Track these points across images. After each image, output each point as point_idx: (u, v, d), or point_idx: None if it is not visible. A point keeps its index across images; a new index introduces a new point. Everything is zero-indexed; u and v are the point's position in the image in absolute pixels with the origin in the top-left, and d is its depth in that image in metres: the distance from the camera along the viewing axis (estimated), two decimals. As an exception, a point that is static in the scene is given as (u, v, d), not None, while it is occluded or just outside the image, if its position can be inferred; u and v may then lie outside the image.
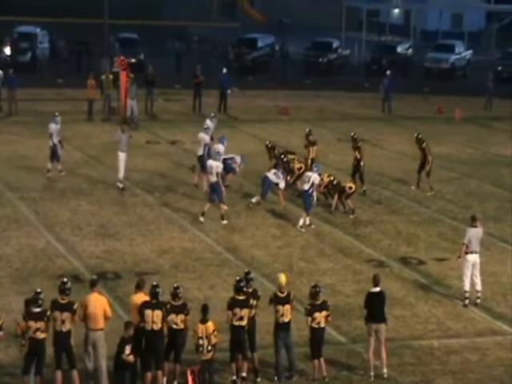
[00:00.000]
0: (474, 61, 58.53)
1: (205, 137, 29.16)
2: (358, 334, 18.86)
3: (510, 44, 59.15)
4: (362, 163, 28.50)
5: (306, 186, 25.61)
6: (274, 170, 27.53)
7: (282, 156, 29.07)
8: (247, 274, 17.54)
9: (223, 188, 26.11)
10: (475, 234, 20.95)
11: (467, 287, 20.80)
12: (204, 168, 27.97)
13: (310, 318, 17.09)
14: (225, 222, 25.65)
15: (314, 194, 25.92)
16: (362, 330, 18.45)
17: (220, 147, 27.67)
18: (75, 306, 16.16)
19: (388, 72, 44.37)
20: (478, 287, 20.88)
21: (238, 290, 16.86)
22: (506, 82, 50.02)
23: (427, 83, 51.02)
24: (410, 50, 59.94)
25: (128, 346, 15.75)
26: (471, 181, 31.76)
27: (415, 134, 30.37)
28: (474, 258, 20.81)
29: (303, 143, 30.20)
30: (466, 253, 20.82)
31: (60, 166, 29.75)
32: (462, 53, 58.25)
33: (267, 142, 30.72)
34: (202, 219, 25.74)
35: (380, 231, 25.89)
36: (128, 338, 15.81)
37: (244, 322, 16.74)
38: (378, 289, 17.58)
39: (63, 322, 16.02)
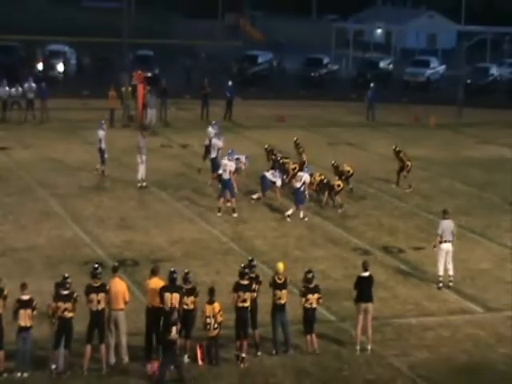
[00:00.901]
0: (446, 75, 58.36)
1: (217, 142, 29.17)
2: (346, 313, 18.81)
3: (477, 60, 59.08)
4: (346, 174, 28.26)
5: (298, 184, 25.65)
6: (271, 170, 27.57)
7: (279, 158, 29.07)
8: (251, 261, 17.49)
9: (235, 184, 26.17)
10: (447, 225, 20.91)
11: (441, 272, 20.76)
12: (216, 169, 27.99)
13: (303, 299, 17.09)
14: (235, 215, 25.56)
15: (306, 191, 25.93)
16: (349, 309, 18.43)
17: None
18: (107, 287, 16.20)
19: (372, 84, 44.24)
20: (451, 272, 20.84)
21: (242, 275, 16.84)
22: (474, 94, 49.91)
23: (406, 94, 50.93)
24: (390, 66, 59.80)
25: (174, 327, 15.71)
26: (444, 179, 31.69)
27: (393, 147, 30.37)
28: (446, 247, 20.77)
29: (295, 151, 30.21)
30: (440, 242, 20.80)
31: (100, 167, 29.47)
32: (436, 68, 58.14)
33: (266, 146, 30.71)
34: (219, 214, 25.64)
35: (365, 223, 25.83)
36: (174, 321, 15.76)
37: (247, 304, 16.70)
38: (367, 273, 17.55)
39: (99, 301, 16.06)
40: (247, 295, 16.68)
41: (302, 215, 25.60)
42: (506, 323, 19.03)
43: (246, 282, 16.77)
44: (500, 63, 59.28)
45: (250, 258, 17.80)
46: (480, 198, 29.21)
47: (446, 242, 20.74)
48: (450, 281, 20.82)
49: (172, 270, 16.65)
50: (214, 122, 32.46)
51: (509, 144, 38.27)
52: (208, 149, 29.63)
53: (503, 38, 68.25)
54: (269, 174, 27.17)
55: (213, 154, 29.04)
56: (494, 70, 56.73)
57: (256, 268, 17.46)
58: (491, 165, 34.13)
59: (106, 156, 29.52)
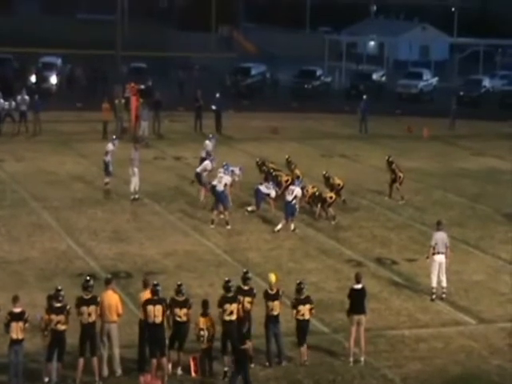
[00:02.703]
0: (439, 87, 58.51)
1: (208, 164, 28.72)
2: (339, 325, 18.84)
3: (470, 72, 59.31)
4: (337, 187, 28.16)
5: (289, 198, 25.70)
6: (265, 183, 27.64)
7: (272, 171, 29.15)
8: (245, 273, 17.44)
9: (229, 197, 26.21)
10: (440, 236, 20.92)
11: (434, 284, 20.77)
12: (201, 183, 28.04)
13: (294, 311, 17.10)
14: (228, 227, 25.58)
15: (297, 205, 25.97)
16: (342, 321, 18.45)
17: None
18: (98, 299, 16.22)
19: (364, 96, 44.34)
20: (444, 284, 20.85)
21: (226, 289, 16.81)
22: (467, 106, 50.09)
23: (399, 106, 51.07)
24: (383, 78, 59.93)
25: (248, 340, 16.01)
26: (437, 191, 31.75)
27: (386, 157, 30.41)
28: (440, 258, 20.77)
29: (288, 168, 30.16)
30: (433, 254, 20.79)
31: (108, 179, 29.30)
32: (429, 80, 58.27)
33: (257, 159, 30.77)
34: (212, 226, 25.64)
35: (358, 235, 25.87)
36: (246, 333, 16.04)
37: (234, 317, 16.64)
38: (360, 285, 17.56)
39: (90, 314, 16.05)
40: (233, 307, 16.64)
41: (292, 227, 25.65)
42: (499, 335, 19.07)
43: (231, 295, 16.74)
44: (492, 75, 59.51)
45: (244, 270, 17.77)
46: (473, 210, 29.28)
47: (439, 253, 20.76)
48: (444, 292, 20.83)
49: (154, 283, 16.62)
50: (210, 135, 32.46)
51: (501, 156, 38.41)
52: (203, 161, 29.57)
53: (496, 50, 68.53)
54: (262, 187, 27.24)
55: (198, 169, 28.94)
56: (487, 82, 56.90)
57: (251, 280, 17.42)
58: (484, 176, 34.25)
59: (110, 169, 29.42)
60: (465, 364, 17.58)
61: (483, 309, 20.45)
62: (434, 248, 20.79)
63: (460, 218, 27.96)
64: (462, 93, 53.01)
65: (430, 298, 20.74)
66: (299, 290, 17.16)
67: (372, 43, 73.44)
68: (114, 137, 30.96)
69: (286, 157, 30.56)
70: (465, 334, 19.08)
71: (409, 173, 31.36)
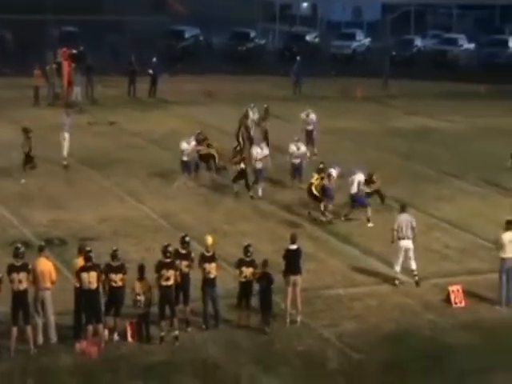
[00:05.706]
0: (372, 47, 58.75)
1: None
2: (275, 287, 18.73)
3: (402, 32, 59.59)
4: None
5: None
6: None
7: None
8: (183, 237, 17.31)
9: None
10: (405, 220, 19.69)
11: (398, 269, 19.55)
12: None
13: (237, 271, 17.09)
14: (323, 218, 23.54)
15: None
16: (279, 282, 18.46)
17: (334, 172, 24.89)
18: (30, 266, 16.00)
19: (298, 58, 44.25)
20: (413, 267, 19.55)
21: (164, 253, 16.71)
22: (399, 65, 50.38)
23: (333, 67, 51.11)
24: (317, 39, 59.86)
25: None
26: (370, 150, 31.91)
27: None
28: (406, 244, 19.55)
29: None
30: (399, 238, 19.60)
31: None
32: (362, 40, 58.44)
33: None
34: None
35: (293, 196, 25.85)
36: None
37: (170, 282, 16.58)
38: (295, 246, 17.61)
39: (20, 281, 15.82)
40: (170, 273, 16.56)
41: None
42: (432, 291, 19.34)
43: (168, 260, 16.65)
44: (424, 35, 59.94)
45: (182, 234, 17.63)
46: (406, 168, 29.54)
47: (404, 238, 19.54)
48: (415, 275, 19.69)
49: (87, 249, 16.47)
50: (252, 104, 30.63)
51: (433, 114, 38.78)
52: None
53: (426, 10, 68.93)
54: None
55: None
56: (419, 42, 57.31)
57: (189, 244, 17.29)
58: (417, 135, 34.56)
59: None
60: (398, 321, 17.81)
61: (417, 266, 20.63)
62: (398, 232, 19.51)
63: (393, 176, 28.07)
64: (394, 53, 53.26)
65: (393, 283, 19.48)
66: (246, 252, 17.11)
67: (305, 4, 73.19)
68: None
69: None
70: (399, 291, 19.30)
71: (345, 133, 31.49)
